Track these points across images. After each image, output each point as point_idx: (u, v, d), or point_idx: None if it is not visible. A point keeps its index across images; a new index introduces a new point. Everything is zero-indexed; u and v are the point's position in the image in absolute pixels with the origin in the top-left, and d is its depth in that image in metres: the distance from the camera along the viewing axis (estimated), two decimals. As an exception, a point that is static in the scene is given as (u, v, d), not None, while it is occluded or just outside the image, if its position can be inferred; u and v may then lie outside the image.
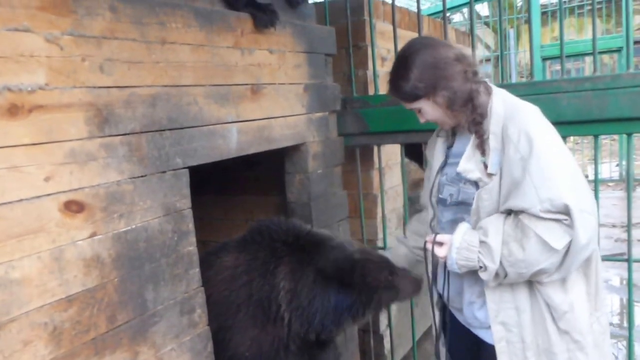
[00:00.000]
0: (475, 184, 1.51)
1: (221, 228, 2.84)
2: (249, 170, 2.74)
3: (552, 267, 1.39)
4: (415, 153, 2.84)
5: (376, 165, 2.83)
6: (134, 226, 1.43)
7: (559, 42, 2.52)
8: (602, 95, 1.97)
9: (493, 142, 1.47)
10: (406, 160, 2.69)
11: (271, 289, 1.81)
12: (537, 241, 1.36)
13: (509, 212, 1.46)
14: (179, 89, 1.58)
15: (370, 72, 2.82)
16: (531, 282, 1.48)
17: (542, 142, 1.39)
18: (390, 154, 3.09)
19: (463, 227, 1.51)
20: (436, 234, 1.58)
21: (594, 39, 2.16)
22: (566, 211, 1.33)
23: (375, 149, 2.75)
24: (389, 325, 2.85)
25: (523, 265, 1.40)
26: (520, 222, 1.40)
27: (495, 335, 1.53)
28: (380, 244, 2.88)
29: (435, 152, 1.72)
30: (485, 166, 1.48)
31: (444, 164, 1.67)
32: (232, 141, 1.81)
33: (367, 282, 1.84)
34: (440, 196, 1.66)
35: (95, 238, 1.33)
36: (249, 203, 2.82)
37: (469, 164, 1.51)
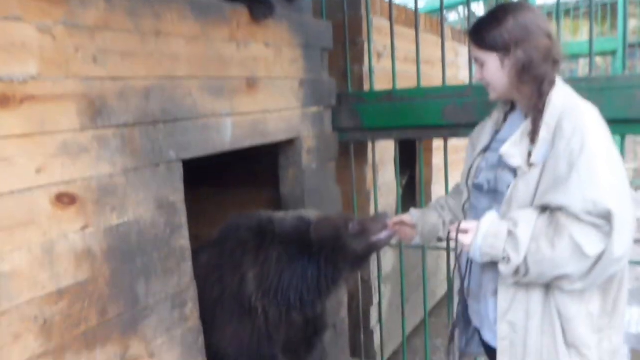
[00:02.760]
0: (514, 172, 1.46)
1: (214, 221, 2.83)
2: (243, 163, 2.72)
3: (577, 275, 1.32)
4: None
5: (370, 161, 2.83)
6: (126, 219, 1.42)
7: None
8: (597, 95, 1.97)
9: (544, 133, 1.40)
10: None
11: (240, 281, 1.78)
12: (570, 242, 1.30)
13: (543, 209, 1.39)
14: (173, 81, 1.57)
15: (366, 68, 2.81)
16: (547, 287, 1.42)
17: (595, 143, 1.33)
18: (384, 151, 3.09)
19: (492, 215, 1.46)
20: (460, 221, 1.52)
21: (590, 42, 2.16)
22: (608, 217, 1.26)
23: (370, 145, 2.74)
24: (380, 321, 2.87)
25: (548, 265, 1.33)
26: (556, 219, 1.34)
27: (499, 333, 1.49)
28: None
29: (482, 134, 1.68)
30: (529, 155, 1.42)
31: (487, 147, 1.61)
32: (227, 134, 1.80)
33: (327, 237, 1.78)
34: (476, 181, 1.61)
35: (87, 231, 1.31)
36: (242, 196, 2.81)
37: (513, 148, 1.46)
